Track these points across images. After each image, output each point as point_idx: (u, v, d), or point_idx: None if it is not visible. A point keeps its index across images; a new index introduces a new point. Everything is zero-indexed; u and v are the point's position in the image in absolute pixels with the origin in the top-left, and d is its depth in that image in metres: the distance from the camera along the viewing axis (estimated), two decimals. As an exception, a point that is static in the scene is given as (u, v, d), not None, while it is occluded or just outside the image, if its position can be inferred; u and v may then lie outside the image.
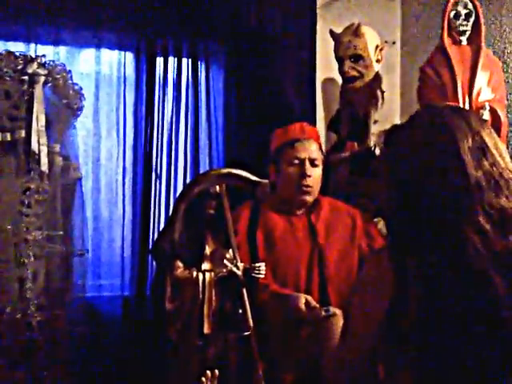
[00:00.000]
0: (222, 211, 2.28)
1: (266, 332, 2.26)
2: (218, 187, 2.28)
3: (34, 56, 2.85)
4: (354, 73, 2.92)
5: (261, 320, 2.23)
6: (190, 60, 3.28)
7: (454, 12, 2.93)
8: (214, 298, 2.19)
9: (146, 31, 3.19)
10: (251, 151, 3.11)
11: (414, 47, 3.35)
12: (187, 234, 2.28)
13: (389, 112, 3.08)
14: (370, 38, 2.93)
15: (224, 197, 2.27)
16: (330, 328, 1.90)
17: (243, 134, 3.29)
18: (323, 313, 2.02)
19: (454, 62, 2.85)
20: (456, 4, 2.94)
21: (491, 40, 3.17)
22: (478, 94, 2.82)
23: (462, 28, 2.93)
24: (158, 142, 3.20)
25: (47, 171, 2.78)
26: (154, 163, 3.18)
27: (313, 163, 2.39)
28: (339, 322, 1.92)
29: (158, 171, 3.19)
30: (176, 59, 3.26)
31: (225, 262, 2.24)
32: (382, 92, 2.96)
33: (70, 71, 2.89)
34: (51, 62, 2.85)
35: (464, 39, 2.93)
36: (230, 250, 2.25)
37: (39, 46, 3.02)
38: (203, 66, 3.31)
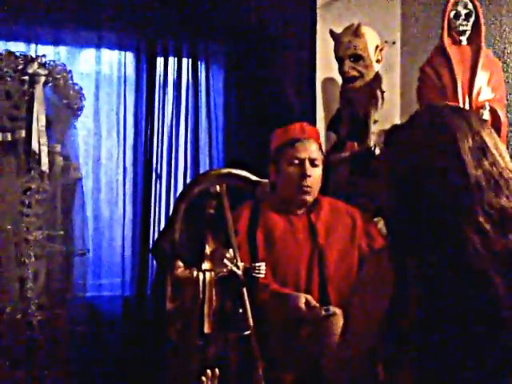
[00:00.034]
0: (222, 211, 2.28)
1: (266, 331, 2.26)
2: (218, 187, 2.28)
3: (34, 56, 2.85)
4: (354, 73, 2.92)
5: (261, 319, 2.23)
6: (190, 60, 3.28)
7: (453, 12, 2.94)
8: (214, 297, 2.19)
9: (146, 31, 3.19)
10: (251, 151, 3.11)
11: (414, 47, 3.35)
12: (187, 233, 2.28)
13: (389, 112, 3.08)
14: (370, 38, 2.93)
15: (224, 197, 2.27)
16: (329, 327, 1.90)
17: (243, 134, 3.29)
18: (323, 312, 2.02)
19: (454, 62, 2.85)
20: (456, 4, 2.94)
21: (491, 40, 3.17)
22: (478, 94, 2.82)
23: (461, 28, 2.93)
24: (158, 141, 3.20)
25: (48, 171, 2.78)
26: (154, 163, 3.18)
27: (313, 163, 2.39)
28: (339, 321, 1.92)
29: (158, 171, 3.20)
30: (176, 59, 3.26)
31: (225, 261, 2.24)
32: (382, 92, 2.96)
33: (70, 71, 2.90)
34: (51, 62, 2.85)
35: (464, 39, 2.93)
36: (231, 250, 2.25)
37: (39, 45, 3.02)
38: (203, 66, 3.31)
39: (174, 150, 3.22)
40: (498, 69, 2.96)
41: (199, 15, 3.23)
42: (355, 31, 2.91)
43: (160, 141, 3.20)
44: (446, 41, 2.91)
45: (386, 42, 3.12)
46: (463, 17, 2.93)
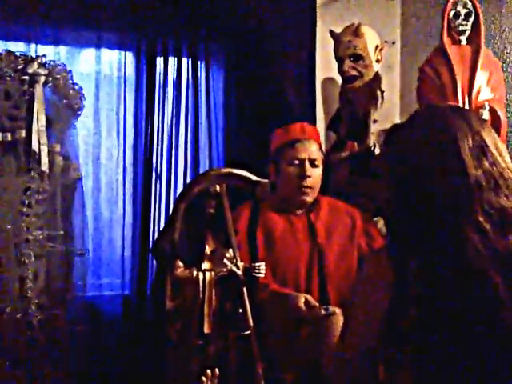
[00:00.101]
0: (222, 211, 2.28)
1: (266, 331, 2.26)
2: (218, 187, 2.28)
3: (34, 56, 2.86)
4: (354, 72, 2.92)
5: (261, 319, 2.23)
6: (189, 60, 3.28)
7: (453, 12, 2.94)
8: (214, 297, 2.19)
9: (146, 31, 3.20)
10: (251, 151, 3.11)
11: (414, 47, 3.34)
12: (187, 233, 2.28)
13: (388, 112, 3.08)
14: (370, 38, 2.92)
15: (224, 196, 2.27)
16: (329, 327, 1.90)
17: (243, 134, 3.29)
18: (323, 312, 2.02)
19: (454, 62, 2.85)
20: (456, 4, 2.94)
21: (491, 40, 3.16)
22: (478, 94, 2.82)
23: (461, 28, 2.92)
24: (158, 141, 3.20)
25: (47, 171, 2.79)
26: (153, 163, 3.19)
27: (313, 163, 2.39)
28: (339, 320, 1.92)
29: (158, 171, 3.20)
30: (176, 59, 3.26)
31: (225, 261, 2.24)
32: (382, 92, 2.96)
33: (70, 71, 2.90)
34: (51, 62, 2.86)
35: (463, 39, 2.93)
36: (230, 250, 2.25)
37: (39, 45, 3.02)
38: (203, 65, 3.31)
39: (174, 149, 3.22)
40: (497, 68, 2.96)
41: (199, 15, 3.23)
42: (355, 31, 2.91)
43: (160, 140, 3.20)
44: (446, 40, 2.91)
45: (385, 41, 3.12)
46: (463, 16, 2.93)
